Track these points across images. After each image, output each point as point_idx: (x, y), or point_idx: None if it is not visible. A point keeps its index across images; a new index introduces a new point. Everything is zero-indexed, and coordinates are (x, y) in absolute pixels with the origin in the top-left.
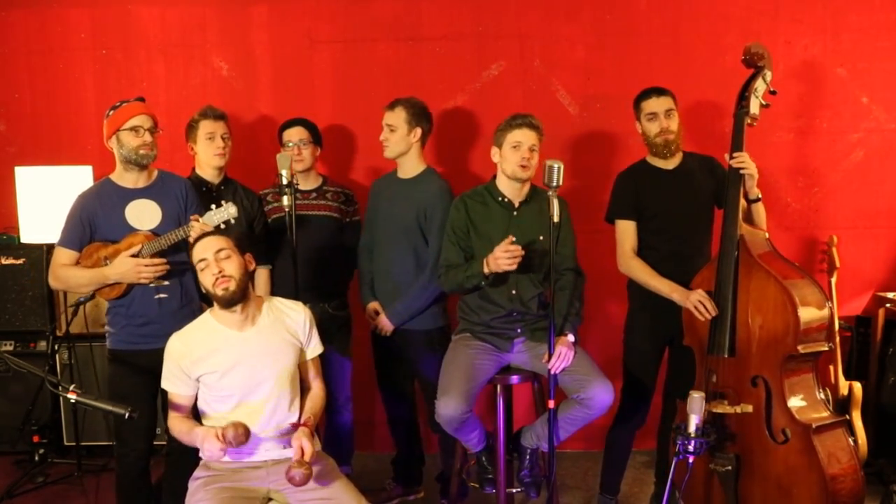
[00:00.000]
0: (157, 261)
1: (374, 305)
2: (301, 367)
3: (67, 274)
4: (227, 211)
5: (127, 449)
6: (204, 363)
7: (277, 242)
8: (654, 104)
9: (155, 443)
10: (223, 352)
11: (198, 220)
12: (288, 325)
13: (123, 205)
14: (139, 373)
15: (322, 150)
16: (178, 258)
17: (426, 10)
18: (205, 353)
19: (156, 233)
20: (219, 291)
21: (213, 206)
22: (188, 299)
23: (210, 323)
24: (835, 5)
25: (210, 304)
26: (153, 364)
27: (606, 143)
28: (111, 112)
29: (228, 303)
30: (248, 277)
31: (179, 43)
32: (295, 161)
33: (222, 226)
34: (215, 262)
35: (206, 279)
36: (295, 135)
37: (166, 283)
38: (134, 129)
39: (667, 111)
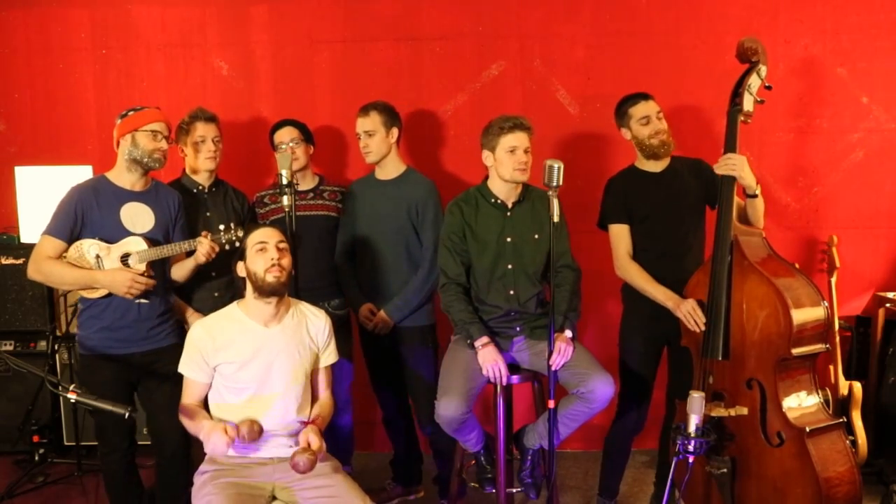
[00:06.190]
0: (150, 282)
1: (368, 306)
2: (313, 374)
3: (52, 269)
4: (236, 234)
5: (109, 448)
6: (224, 352)
7: None
8: (645, 108)
9: (140, 442)
10: (245, 343)
11: (206, 237)
12: (309, 329)
13: (119, 205)
14: (113, 374)
15: (315, 148)
16: (164, 268)
17: (426, 10)
18: (227, 341)
19: (149, 237)
20: (269, 277)
21: (223, 227)
22: (167, 307)
23: (236, 314)
24: (835, 5)
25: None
26: (125, 366)
27: (607, 144)
28: (131, 112)
29: (272, 292)
30: (290, 279)
31: (179, 43)
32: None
33: (227, 247)
34: (276, 249)
35: (258, 262)
36: (286, 135)
37: (145, 301)
38: (153, 132)
39: (658, 113)
